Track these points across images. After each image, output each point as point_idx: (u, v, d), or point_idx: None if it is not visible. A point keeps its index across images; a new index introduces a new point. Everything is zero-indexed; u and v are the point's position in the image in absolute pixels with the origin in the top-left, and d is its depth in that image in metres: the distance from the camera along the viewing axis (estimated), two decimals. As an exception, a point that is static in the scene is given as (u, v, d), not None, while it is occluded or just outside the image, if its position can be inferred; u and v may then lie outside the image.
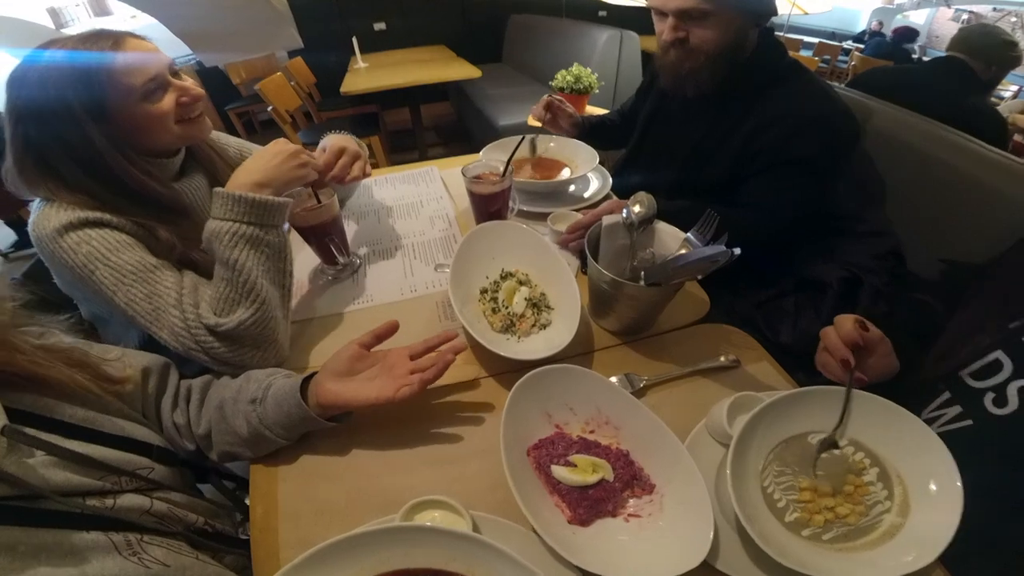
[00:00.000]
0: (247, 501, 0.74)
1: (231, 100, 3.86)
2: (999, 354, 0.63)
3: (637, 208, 0.79)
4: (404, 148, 3.91)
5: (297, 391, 0.63)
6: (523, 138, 1.01)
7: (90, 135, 0.70)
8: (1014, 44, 1.59)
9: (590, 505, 0.58)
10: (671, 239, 0.79)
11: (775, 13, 1.01)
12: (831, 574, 0.51)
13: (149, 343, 0.83)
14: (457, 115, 4.52)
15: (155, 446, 0.61)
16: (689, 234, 0.75)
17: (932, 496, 0.56)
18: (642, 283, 0.73)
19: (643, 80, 1.33)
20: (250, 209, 0.71)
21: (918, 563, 0.50)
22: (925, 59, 4.20)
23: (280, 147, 0.78)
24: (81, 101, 0.69)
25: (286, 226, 1.06)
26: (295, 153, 0.78)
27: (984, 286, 0.73)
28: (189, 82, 0.80)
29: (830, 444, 0.61)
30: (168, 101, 0.76)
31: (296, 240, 1.05)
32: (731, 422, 0.63)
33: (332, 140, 0.94)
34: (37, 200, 0.74)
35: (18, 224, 3.41)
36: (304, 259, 1.01)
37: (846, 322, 0.65)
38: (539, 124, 1.32)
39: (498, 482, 0.58)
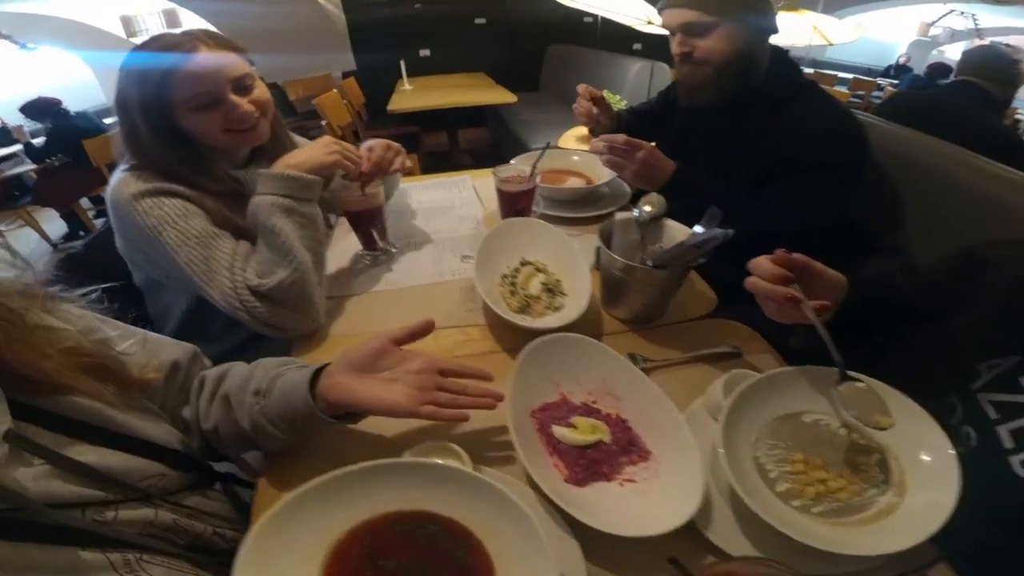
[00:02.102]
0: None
1: (286, 115, 4.13)
2: (952, 397, 0.64)
3: (648, 208, 0.87)
4: (439, 169, 4.07)
5: (306, 384, 0.59)
6: (547, 144, 1.11)
7: (143, 128, 0.83)
8: (1018, 61, 1.63)
9: (587, 465, 0.62)
10: (679, 234, 0.86)
11: (775, 29, 1.10)
12: (826, 542, 0.51)
13: (196, 311, 0.94)
14: (493, 140, 4.71)
15: (171, 450, 0.58)
16: (696, 228, 0.82)
17: (928, 471, 0.56)
18: (649, 264, 0.80)
19: (668, 97, 1.41)
20: (285, 184, 0.82)
21: (918, 537, 0.49)
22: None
23: (321, 139, 0.91)
24: (140, 101, 0.82)
25: (334, 219, 1.21)
26: (329, 142, 0.89)
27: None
28: (245, 101, 0.87)
29: (843, 378, 0.61)
30: (214, 116, 0.85)
31: (343, 228, 1.17)
32: (727, 396, 0.65)
33: (374, 141, 1.06)
34: (118, 169, 0.86)
35: (70, 217, 3.69)
36: (347, 245, 1.13)
37: (763, 263, 0.62)
38: (584, 120, 1.39)
39: (501, 445, 0.63)
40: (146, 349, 0.63)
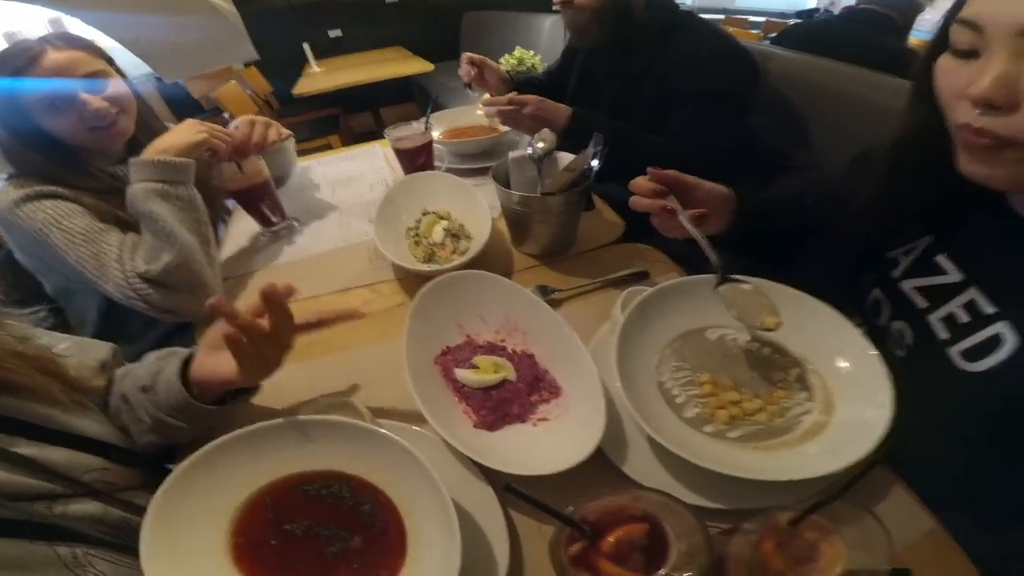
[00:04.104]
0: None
1: (193, 113, 3.86)
2: (877, 292, 0.63)
3: (540, 144, 0.87)
4: (368, 151, 3.95)
5: (176, 374, 0.57)
6: (435, 97, 1.12)
7: (6, 135, 0.83)
8: None
9: (494, 407, 0.59)
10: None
11: None
12: (744, 468, 0.47)
13: (108, 312, 0.94)
14: (421, 115, 4.52)
15: (112, 445, 0.58)
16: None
17: (853, 382, 0.53)
18: (539, 193, 0.80)
19: (568, 45, 1.41)
20: (156, 169, 0.81)
21: (854, 454, 0.46)
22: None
23: (185, 121, 0.90)
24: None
25: (232, 203, 1.15)
26: (193, 123, 0.89)
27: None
28: (98, 98, 0.85)
29: (722, 281, 0.59)
30: (70, 116, 0.84)
31: (240, 211, 1.10)
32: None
33: (242, 117, 1.03)
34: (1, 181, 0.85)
35: None
36: (245, 226, 1.07)
37: (639, 181, 0.65)
38: (471, 86, 1.36)
39: (410, 395, 0.57)
40: (81, 351, 0.64)
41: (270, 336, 0.52)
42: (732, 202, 0.68)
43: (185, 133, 0.86)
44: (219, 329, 0.55)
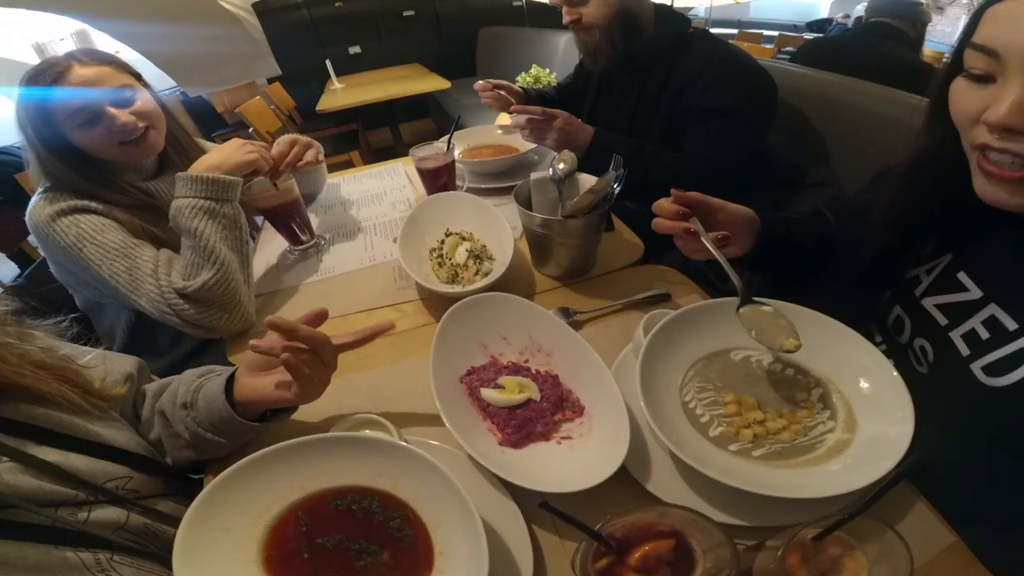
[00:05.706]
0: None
1: (217, 127, 3.99)
2: (898, 310, 0.63)
3: (562, 165, 0.89)
4: (386, 165, 4.02)
5: (222, 392, 0.59)
6: (458, 118, 1.14)
7: (42, 151, 0.85)
8: (920, 3, 1.72)
9: (519, 425, 0.60)
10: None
11: None
12: (769, 486, 0.48)
13: (138, 327, 0.96)
14: (438, 131, 4.65)
15: (135, 454, 0.59)
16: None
17: (875, 401, 0.54)
18: (560, 216, 0.82)
19: (584, 66, 1.45)
20: (205, 186, 0.82)
21: (878, 472, 0.47)
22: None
23: (232, 141, 0.91)
24: (32, 126, 0.84)
25: (261, 220, 1.19)
26: (243, 143, 0.91)
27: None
28: (126, 112, 0.87)
29: (743, 303, 0.60)
30: (99, 131, 0.86)
31: (269, 228, 1.14)
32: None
33: (283, 136, 1.06)
34: (35, 194, 0.88)
35: (21, 257, 3.49)
36: (275, 244, 1.10)
37: (663, 203, 0.65)
38: (494, 108, 1.40)
39: (435, 413, 0.58)
40: (106, 363, 0.65)
41: (314, 357, 0.57)
42: (756, 224, 0.69)
43: (237, 152, 0.88)
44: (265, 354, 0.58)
